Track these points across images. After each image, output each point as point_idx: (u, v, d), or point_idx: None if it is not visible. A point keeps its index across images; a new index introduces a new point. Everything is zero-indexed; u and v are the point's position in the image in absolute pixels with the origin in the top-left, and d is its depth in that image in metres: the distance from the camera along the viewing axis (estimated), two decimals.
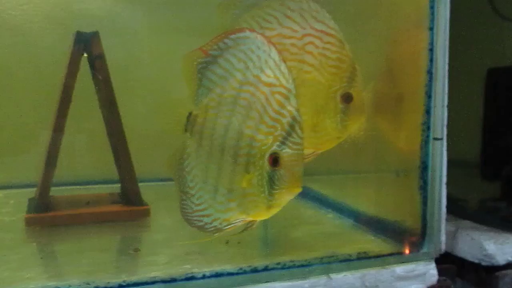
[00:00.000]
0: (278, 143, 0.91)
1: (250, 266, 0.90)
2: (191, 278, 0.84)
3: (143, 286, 0.80)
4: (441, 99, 0.99)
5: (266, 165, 0.92)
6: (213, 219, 1.01)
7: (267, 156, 0.91)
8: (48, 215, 1.14)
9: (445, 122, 0.99)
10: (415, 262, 0.98)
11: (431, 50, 0.97)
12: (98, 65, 1.18)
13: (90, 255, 0.98)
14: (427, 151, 0.99)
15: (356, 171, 1.19)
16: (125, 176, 1.19)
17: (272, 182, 0.92)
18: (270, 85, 0.93)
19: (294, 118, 0.92)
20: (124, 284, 0.79)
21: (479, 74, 1.26)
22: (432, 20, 0.97)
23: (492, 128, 1.23)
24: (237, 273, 0.88)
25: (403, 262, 0.97)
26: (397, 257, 0.98)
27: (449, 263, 1.11)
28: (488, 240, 1.11)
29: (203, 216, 1.03)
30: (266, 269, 0.90)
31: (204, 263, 0.92)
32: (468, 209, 1.22)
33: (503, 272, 1.09)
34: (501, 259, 1.09)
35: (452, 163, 1.05)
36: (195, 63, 1.04)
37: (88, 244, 1.06)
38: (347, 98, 1.06)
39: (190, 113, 1.03)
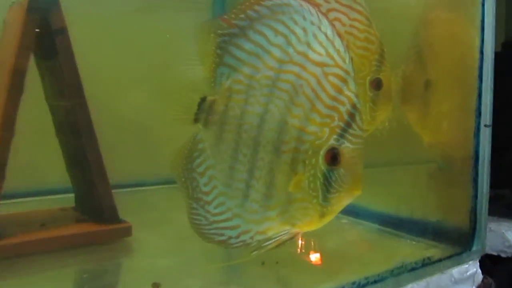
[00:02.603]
0: (336, 136, 0.73)
1: None
2: None
3: None
4: (489, 81, 0.87)
5: (322, 163, 0.72)
6: (241, 231, 0.78)
7: (323, 152, 0.72)
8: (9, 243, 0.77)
9: (491, 108, 0.88)
10: (467, 263, 0.86)
11: (482, 28, 0.84)
12: (60, 42, 0.85)
13: None
14: (478, 140, 0.87)
15: (379, 165, 1.05)
16: (96, 186, 0.87)
17: (328, 184, 0.72)
18: (322, 64, 0.73)
19: (354, 106, 0.73)
20: None
21: None
22: None
23: None
24: None
25: (458, 264, 0.84)
26: (454, 259, 0.85)
27: None
28: (510, 231, 1.02)
29: (226, 228, 0.79)
30: None
31: None
32: None
33: None
34: None
35: None
36: (213, 35, 0.80)
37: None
38: (377, 85, 0.90)
39: (203, 99, 0.78)
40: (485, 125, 0.85)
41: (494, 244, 1.03)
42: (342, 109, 0.72)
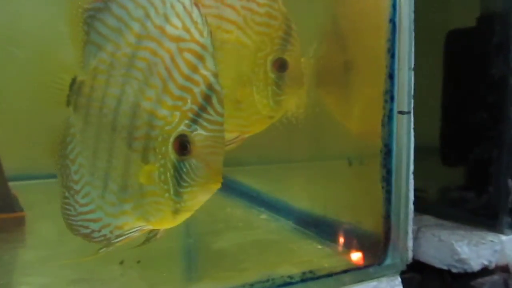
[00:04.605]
0: (187, 121, 0.62)
1: None
2: None
3: None
4: (406, 59, 0.69)
5: (172, 153, 0.62)
6: (102, 225, 0.70)
7: (172, 139, 0.62)
8: None
9: (412, 91, 0.70)
10: (376, 279, 0.69)
11: None
12: None
13: None
14: (390, 130, 0.70)
15: (295, 159, 0.91)
16: None
17: (179, 177, 0.62)
18: (177, 39, 0.63)
19: (210, 87, 0.62)
20: None
21: (437, 38, 1.00)
22: None
23: (454, 102, 0.99)
24: None
25: (361, 281, 0.68)
26: (354, 274, 0.68)
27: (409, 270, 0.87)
28: (460, 241, 0.82)
29: (90, 220, 0.71)
30: None
31: None
32: (428, 201, 0.97)
33: (480, 280, 0.82)
34: (475, 264, 0.82)
35: None
36: (80, 10, 0.73)
37: None
38: (281, 66, 0.76)
39: (74, 80, 0.70)
40: (400, 112, 0.68)
41: (444, 257, 0.84)
42: (196, 90, 0.61)
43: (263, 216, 0.93)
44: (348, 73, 0.79)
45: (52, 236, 0.82)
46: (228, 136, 0.81)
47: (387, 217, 0.71)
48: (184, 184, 0.61)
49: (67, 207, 0.73)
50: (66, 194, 0.73)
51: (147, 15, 0.65)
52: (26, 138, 0.92)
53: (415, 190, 0.82)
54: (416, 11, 0.72)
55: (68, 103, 0.72)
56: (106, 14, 0.69)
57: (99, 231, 0.70)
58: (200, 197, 0.63)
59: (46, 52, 0.76)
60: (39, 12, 0.88)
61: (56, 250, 0.75)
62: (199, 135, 0.61)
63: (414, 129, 0.71)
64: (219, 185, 0.62)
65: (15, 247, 0.79)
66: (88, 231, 0.71)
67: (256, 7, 0.76)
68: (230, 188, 0.96)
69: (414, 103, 0.75)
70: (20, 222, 0.84)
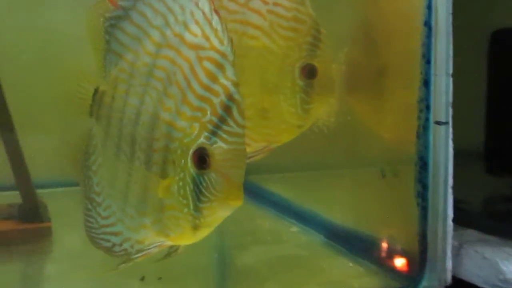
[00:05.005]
0: (207, 133, 0.59)
1: None
2: None
3: None
4: (443, 64, 0.64)
5: (191, 166, 0.60)
6: (124, 239, 0.68)
7: (191, 152, 0.60)
8: None
9: (450, 99, 0.65)
10: None
11: None
12: None
13: None
14: (426, 141, 0.64)
15: (324, 170, 0.86)
16: (17, 182, 0.82)
17: (199, 191, 0.59)
18: (197, 47, 0.60)
19: (230, 97, 0.58)
20: None
21: (479, 39, 0.93)
22: None
23: (500, 106, 0.92)
24: None
25: None
26: None
27: None
28: (506, 260, 0.76)
29: (111, 234, 0.70)
30: None
31: None
32: (472, 214, 0.91)
33: None
34: None
35: None
36: (101, 19, 0.71)
37: None
38: (310, 72, 0.73)
39: (96, 89, 0.69)
40: (437, 122, 0.62)
41: (488, 276, 0.77)
42: (216, 100, 0.58)
43: (294, 229, 0.89)
44: (381, 80, 0.74)
45: (77, 247, 0.82)
46: (255, 146, 0.78)
47: (423, 235, 0.65)
48: (204, 199, 0.58)
49: (89, 219, 0.72)
50: (89, 206, 0.72)
51: (167, 23, 0.63)
52: (56, 146, 0.93)
53: (456, 201, 0.76)
54: (455, 11, 0.66)
55: (91, 114, 0.72)
56: (126, 22, 0.67)
57: (120, 245, 0.69)
58: (220, 213, 0.60)
59: (69, 62, 0.76)
60: (62, 22, 0.88)
61: (79, 262, 0.74)
62: (219, 147, 0.58)
63: (453, 139, 0.66)
64: (240, 202, 0.59)
65: (39, 259, 0.78)
66: (109, 244, 0.69)
67: (283, 11, 0.72)
68: (260, 197, 0.91)
69: (455, 106, 0.69)
70: (47, 232, 0.84)
